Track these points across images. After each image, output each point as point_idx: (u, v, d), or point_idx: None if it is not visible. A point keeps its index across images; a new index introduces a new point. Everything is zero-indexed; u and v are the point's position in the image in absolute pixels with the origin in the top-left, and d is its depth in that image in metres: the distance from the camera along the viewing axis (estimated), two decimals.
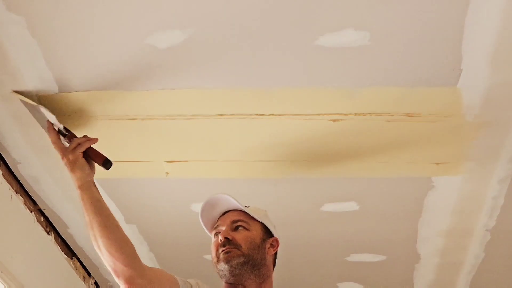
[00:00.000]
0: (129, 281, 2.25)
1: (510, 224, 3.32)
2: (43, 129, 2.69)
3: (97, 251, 2.32)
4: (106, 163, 2.43)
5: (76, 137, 2.44)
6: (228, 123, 2.67)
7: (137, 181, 3.02)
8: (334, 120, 2.65)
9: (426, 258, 3.66)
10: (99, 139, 2.42)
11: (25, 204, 3.08)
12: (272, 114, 2.63)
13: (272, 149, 2.81)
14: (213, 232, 2.42)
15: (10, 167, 2.93)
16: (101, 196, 2.37)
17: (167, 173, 2.94)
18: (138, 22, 2.24)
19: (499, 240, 3.45)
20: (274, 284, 2.43)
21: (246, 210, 2.41)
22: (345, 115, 2.62)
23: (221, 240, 2.34)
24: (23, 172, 2.95)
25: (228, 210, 2.44)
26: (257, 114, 2.63)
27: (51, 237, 3.34)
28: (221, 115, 2.63)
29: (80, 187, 2.35)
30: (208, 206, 2.45)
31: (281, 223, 3.33)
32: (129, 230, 3.38)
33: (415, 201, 3.16)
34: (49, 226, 3.31)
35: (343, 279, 3.92)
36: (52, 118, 2.48)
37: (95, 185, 2.38)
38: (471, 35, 2.26)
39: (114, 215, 3.22)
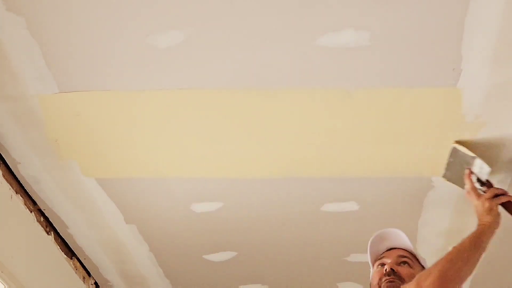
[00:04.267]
0: None
1: (510, 224, 3.32)
2: (43, 129, 2.69)
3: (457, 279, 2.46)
4: None
5: (493, 187, 2.65)
6: (228, 123, 2.67)
7: (137, 181, 3.01)
8: (334, 120, 2.65)
9: (426, 258, 3.65)
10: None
11: (25, 204, 3.08)
12: (272, 114, 2.63)
13: (272, 149, 2.81)
14: (377, 263, 2.51)
15: (10, 167, 2.93)
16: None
17: (166, 173, 2.94)
18: (138, 22, 2.24)
19: (499, 240, 3.45)
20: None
21: (414, 251, 2.51)
22: (345, 115, 2.62)
23: (386, 270, 2.40)
24: (23, 172, 2.95)
25: (394, 247, 2.53)
26: (256, 114, 2.63)
27: (51, 237, 3.34)
28: (220, 115, 2.63)
29: (483, 230, 2.55)
30: (377, 239, 2.58)
31: (281, 223, 3.34)
32: (129, 230, 3.38)
33: (415, 201, 3.15)
34: (49, 226, 3.31)
35: (343, 279, 3.92)
36: (484, 170, 2.69)
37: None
38: (471, 35, 2.26)
39: (114, 215, 3.24)
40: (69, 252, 3.54)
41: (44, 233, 3.28)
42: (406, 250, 2.51)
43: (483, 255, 2.49)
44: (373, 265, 2.51)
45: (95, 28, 2.25)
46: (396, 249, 2.51)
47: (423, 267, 2.47)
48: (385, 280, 2.39)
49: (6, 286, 2.88)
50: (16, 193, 3.01)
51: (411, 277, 2.39)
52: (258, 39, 2.29)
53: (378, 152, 2.81)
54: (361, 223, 3.32)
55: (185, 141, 2.77)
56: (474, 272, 3.75)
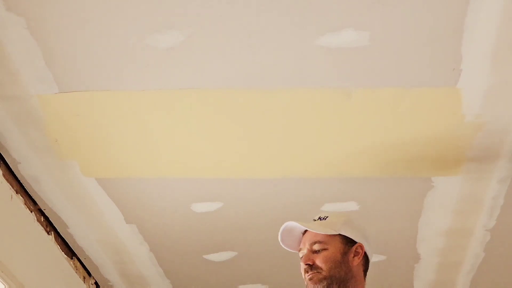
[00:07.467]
0: None
1: (510, 224, 3.32)
2: (43, 129, 2.69)
3: None
4: None
5: None
6: (228, 122, 2.67)
7: (137, 181, 3.02)
8: (334, 120, 2.65)
9: (426, 258, 3.66)
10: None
11: (25, 204, 3.08)
12: (272, 114, 2.63)
13: (272, 149, 2.81)
14: (300, 254, 2.42)
15: (10, 167, 2.93)
16: None
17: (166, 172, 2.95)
18: (138, 22, 2.24)
19: (499, 240, 3.45)
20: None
21: (317, 230, 2.36)
22: (345, 115, 2.62)
23: (304, 268, 2.37)
24: (23, 172, 2.95)
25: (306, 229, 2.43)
26: (257, 114, 2.63)
27: (51, 237, 3.34)
28: (220, 115, 2.63)
29: None
30: (285, 233, 2.44)
31: (281, 223, 3.33)
32: (129, 230, 3.38)
33: (415, 201, 3.16)
34: (49, 226, 3.31)
35: None
36: None
37: None
38: (471, 35, 2.26)
39: (114, 215, 3.24)
40: (69, 252, 3.54)
41: (44, 233, 3.28)
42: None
43: None
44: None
45: (95, 28, 2.25)
46: (309, 232, 2.39)
47: (339, 235, 2.37)
48: (307, 278, 2.35)
49: (6, 286, 2.88)
50: (16, 193, 3.01)
51: (329, 259, 2.33)
52: (258, 39, 2.29)
53: (378, 152, 2.81)
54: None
55: (185, 141, 2.77)
56: (473, 272, 3.77)
